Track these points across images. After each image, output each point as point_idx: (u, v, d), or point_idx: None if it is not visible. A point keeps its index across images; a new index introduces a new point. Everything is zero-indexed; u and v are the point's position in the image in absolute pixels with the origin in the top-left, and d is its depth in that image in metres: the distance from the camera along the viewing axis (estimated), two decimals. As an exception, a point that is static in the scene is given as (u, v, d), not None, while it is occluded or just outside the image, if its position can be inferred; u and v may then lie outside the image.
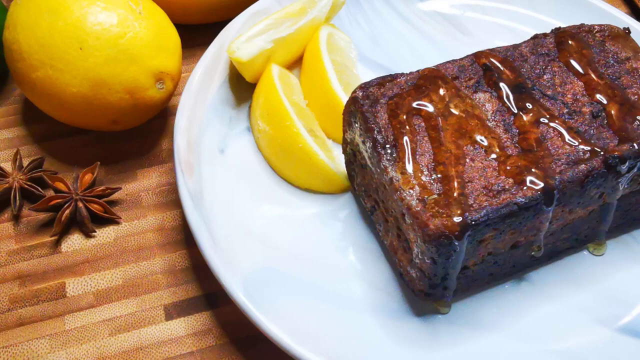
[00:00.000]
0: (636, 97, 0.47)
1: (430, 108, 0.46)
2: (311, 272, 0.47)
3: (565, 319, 0.46)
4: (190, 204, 0.46)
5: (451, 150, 0.44)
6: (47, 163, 0.55)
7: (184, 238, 0.52)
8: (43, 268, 0.50)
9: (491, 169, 0.43)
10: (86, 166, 0.55)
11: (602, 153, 0.43)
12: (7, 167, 0.54)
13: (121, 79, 0.49)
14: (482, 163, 0.43)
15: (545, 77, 0.49)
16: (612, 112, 0.46)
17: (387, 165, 0.43)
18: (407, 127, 0.45)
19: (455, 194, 0.42)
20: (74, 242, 0.51)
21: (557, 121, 0.46)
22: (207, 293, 0.49)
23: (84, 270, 0.50)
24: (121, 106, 0.50)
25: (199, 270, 0.50)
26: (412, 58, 0.61)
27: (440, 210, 0.41)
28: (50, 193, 0.53)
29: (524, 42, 0.51)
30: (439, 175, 0.43)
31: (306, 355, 0.40)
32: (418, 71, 0.48)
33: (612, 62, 0.50)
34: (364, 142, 0.46)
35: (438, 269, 0.42)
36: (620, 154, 0.43)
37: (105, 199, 0.52)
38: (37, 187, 0.52)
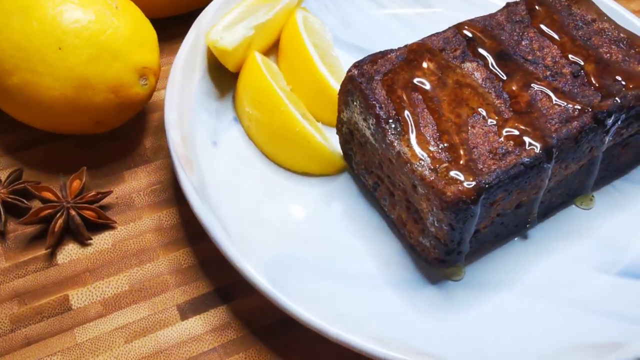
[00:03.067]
0: (608, 55, 0.50)
1: (425, 81, 0.47)
2: (324, 253, 0.47)
3: (568, 270, 0.48)
4: (198, 199, 0.45)
5: (452, 119, 0.45)
6: (25, 174, 0.52)
7: (185, 235, 0.50)
8: (41, 283, 0.47)
9: (492, 133, 0.45)
10: (68, 173, 0.52)
11: (590, 109, 0.46)
12: (-16, 182, 0.51)
13: (105, 78, 0.47)
14: (482, 129, 0.45)
15: (523, 43, 0.51)
16: (590, 71, 0.49)
17: (393, 139, 0.44)
18: (407, 100, 0.45)
19: (464, 161, 0.43)
20: (70, 252, 0.49)
21: (542, 83, 0.48)
22: (218, 288, 0.48)
23: (86, 279, 0.48)
24: (106, 106, 0.48)
25: (206, 266, 0.49)
26: (384, 36, 0.62)
27: (454, 177, 0.42)
28: (36, 204, 0.50)
29: (499, 11, 0.53)
30: (445, 145, 0.44)
31: (344, 336, 0.40)
32: (406, 46, 0.49)
33: (580, 24, 0.53)
34: (365, 120, 0.46)
35: (455, 234, 0.43)
36: (607, 108, 0.46)
37: (97, 204, 0.50)
38: (21, 199, 0.49)
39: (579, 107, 0.46)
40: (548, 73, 0.48)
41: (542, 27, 0.52)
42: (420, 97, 0.46)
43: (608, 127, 0.46)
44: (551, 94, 0.47)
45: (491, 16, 0.52)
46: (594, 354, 0.42)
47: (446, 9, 0.65)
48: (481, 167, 0.43)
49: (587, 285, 0.47)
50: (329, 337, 0.41)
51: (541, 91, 0.47)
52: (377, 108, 0.45)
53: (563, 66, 0.49)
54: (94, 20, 0.47)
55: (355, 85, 0.46)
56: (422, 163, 0.43)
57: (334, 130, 0.53)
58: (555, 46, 0.51)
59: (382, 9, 0.64)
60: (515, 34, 0.51)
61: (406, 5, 0.65)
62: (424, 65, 0.48)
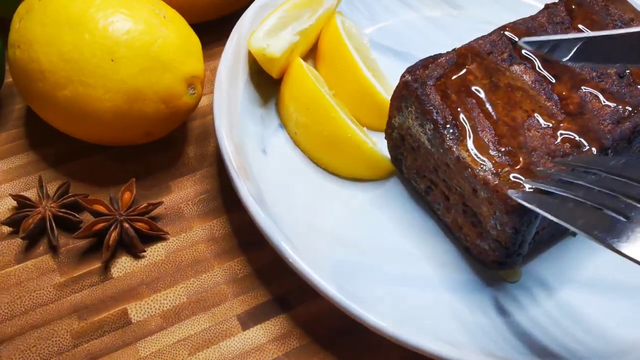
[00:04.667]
0: None
1: (478, 85, 0.47)
2: (380, 257, 0.48)
3: (619, 264, 0.49)
4: (257, 208, 0.45)
5: (507, 122, 0.45)
6: (71, 186, 0.51)
7: (238, 244, 0.50)
8: (99, 297, 0.47)
9: (548, 136, 0.45)
10: (113, 185, 0.52)
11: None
12: (32, 196, 0.50)
13: (157, 88, 0.47)
14: (538, 132, 0.45)
15: (567, 44, 0.51)
16: (635, 70, 0.50)
17: (452, 144, 0.44)
18: (462, 105, 0.46)
19: (524, 164, 0.43)
20: (124, 265, 0.48)
21: (590, 85, 0.48)
22: (276, 296, 0.48)
23: (143, 292, 0.47)
24: (156, 117, 0.48)
25: (262, 274, 0.49)
26: (417, 38, 0.62)
27: (517, 181, 0.42)
28: (86, 217, 0.49)
29: (539, 12, 0.54)
30: (504, 148, 0.44)
31: (417, 340, 0.41)
32: (454, 50, 0.50)
33: (619, 24, 0.53)
34: (421, 125, 0.46)
35: (518, 237, 0.43)
36: (659, 108, 0.46)
37: (148, 215, 0.50)
38: (73, 213, 0.48)
39: (630, 108, 0.47)
40: (594, 74, 0.49)
41: (582, 27, 0.53)
42: (474, 101, 0.46)
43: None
44: (600, 95, 0.48)
45: (533, 18, 0.53)
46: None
47: (475, 10, 0.65)
48: (540, 167, 0.43)
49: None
50: (400, 342, 0.41)
51: (590, 93, 0.48)
52: (435, 114, 0.45)
53: (607, 67, 0.50)
54: (144, 30, 0.46)
55: (411, 91, 0.46)
56: (484, 167, 0.43)
57: (379, 134, 0.54)
58: (598, 46, 0.51)
59: (413, 12, 0.64)
60: (557, 35, 0.52)
61: (436, 7, 0.65)
62: (475, 69, 0.48)
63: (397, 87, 0.48)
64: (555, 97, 0.47)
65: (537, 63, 0.49)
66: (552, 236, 0.49)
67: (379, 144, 0.52)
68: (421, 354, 0.42)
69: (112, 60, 0.45)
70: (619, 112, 0.47)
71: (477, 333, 0.44)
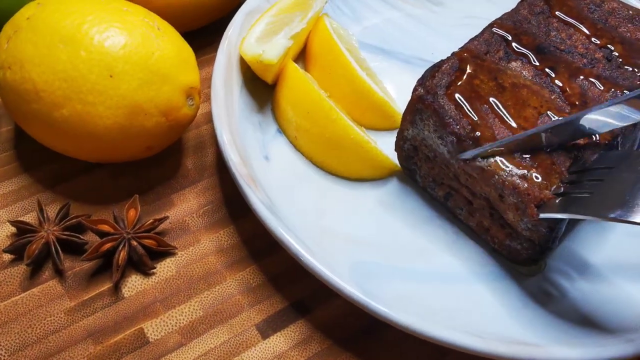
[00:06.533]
0: (628, 34, 0.53)
1: (486, 88, 0.47)
2: (395, 255, 0.48)
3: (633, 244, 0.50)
4: (270, 215, 0.45)
5: (521, 124, 0.46)
6: (72, 207, 0.50)
7: (248, 253, 0.50)
8: (112, 319, 0.46)
9: None
10: (115, 202, 0.51)
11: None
12: (31, 220, 0.48)
13: (157, 102, 0.46)
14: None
15: (552, 34, 0.52)
16: (620, 52, 0.51)
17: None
18: (477, 113, 0.46)
19: (548, 164, 0.44)
20: (135, 283, 0.47)
21: (585, 73, 0.50)
22: (293, 302, 0.48)
23: (157, 310, 0.46)
24: (157, 131, 0.47)
25: (275, 281, 0.49)
26: (402, 36, 0.63)
27: (545, 182, 0.43)
28: (91, 238, 0.48)
29: (519, 4, 0.55)
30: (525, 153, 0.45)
31: (445, 334, 0.41)
32: (453, 54, 0.50)
33: (593, 7, 0.55)
34: (441, 137, 0.47)
35: (552, 234, 0.44)
36: (651, 87, 0.48)
37: (154, 231, 0.49)
38: (77, 235, 0.47)
39: (627, 92, 0.48)
40: (585, 61, 0.50)
41: (562, 15, 0.54)
42: (486, 106, 0.46)
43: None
44: (596, 82, 0.49)
45: (515, 11, 0.54)
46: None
47: (456, 5, 0.66)
48: (563, 168, 0.44)
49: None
50: (427, 338, 0.41)
51: (587, 80, 0.49)
52: (455, 126, 0.45)
53: (595, 51, 0.51)
54: (141, 43, 0.46)
55: (427, 105, 0.46)
56: (510, 172, 0.43)
57: (377, 133, 0.54)
58: (580, 32, 0.53)
59: (396, 11, 0.65)
60: (542, 26, 0.53)
61: (418, 4, 0.66)
62: (478, 72, 0.48)
63: (411, 101, 0.48)
64: (557, 90, 0.48)
65: (532, 57, 0.50)
66: (572, 227, 0.50)
67: (379, 143, 0.53)
68: (447, 348, 0.42)
69: (111, 76, 0.44)
70: (617, 96, 0.48)
71: (503, 323, 0.44)
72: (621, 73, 0.50)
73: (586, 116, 0.44)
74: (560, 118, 0.45)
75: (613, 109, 0.43)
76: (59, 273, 0.47)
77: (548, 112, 0.46)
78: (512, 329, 0.44)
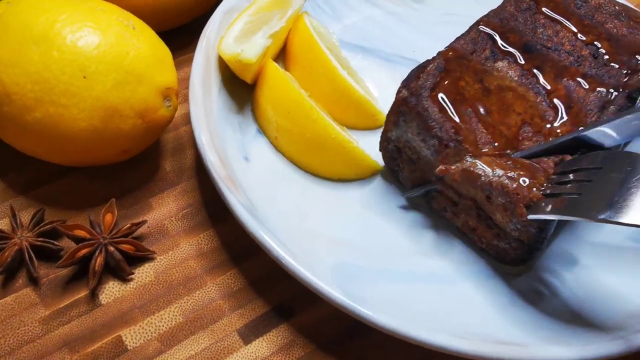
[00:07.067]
0: (615, 30, 0.52)
1: (471, 91, 0.47)
2: (379, 256, 0.47)
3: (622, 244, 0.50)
4: (250, 217, 0.44)
5: (504, 132, 0.45)
6: (46, 212, 0.49)
7: (229, 257, 0.49)
8: (89, 327, 0.44)
9: (546, 134, 0.45)
10: (91, 207, 0.49)
11: (621, 90, 0.47)
12: (3, 227, 0.47)
13: (132, 103, 0.45)
14: (531, 142, 0.45)
15: (539, 31, 0.52)
16: (606, 48, 0.51)
17: (458, 158, 0.44)
18: (461, 117, 0.45)
19: (531, 166, 0.43)
20: (112, 290, 0.46)
21: (571, 71, 0.49)
22: (275, 306, 0.47)
23: (136, 317, 0.45)
24: (134, 133, 0.46)
25: (256, 285, 0.48)
26: (383, 34, 0.62)
27: (534, 181, 0.42)
28: (66, 244, 0.47)
29: (505, 1, 0.54)
30: (509, 153, 0.44)
31: (429, 337, 0.40)
32: (439, 54, 0.49)
33: (580, 3, 0.54)
34: (424, 140, 0.46)
35: (542, 235, 0.44)
36: (637, 86, 0.48)
37: (132, 236, 0.48)
38: (52, 241, 0.46)
39: (612, 90, 0.47)
40: (571, 59, 0.50)
41: (548, 11, 0.54)
42: (470, 110, 0.46)
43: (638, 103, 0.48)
44: (582, 81, 0.48)
45: (502, 8, 0.53)
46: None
47: (437, 2, 0.66)
48: (551, 164, 0.43)
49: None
50: (411, 340, 0.41)
51: (572, 79, 0.48)
52: (438, 130, 0.45)
53: (581, 48, 0.51)
54: (115, 43, 0.44)
55: (410, 107, 0.46)
56: (496, 173, 0.43)
57: (359, 133, 0.53)
58: (567, 29, 0.52)
59: (377, 8, 0.64)
60: (529, 23, 0.52)
61: (398, 1, 0.65)
62: (464, 73, 0.47)
63: (395, 103, 0.47)
64: (542, 91, 0.48)
65: (518, 55, 0.50)
66: (560, 227, 0.50)
67: (361, 142, 0.52)
68: (432, 351, 0.42)
69: (85, 77, 0.43)
70: (602, 96, 0.47)
71: (492, 323, 0.44)
72: (607, 71, 0.49)
73: (587, 132, 0.43)
74: (564, 137, 0.45)
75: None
76: (33, 281, 0.46)
77: (530, 122, 0.45)
78: (501, 329, 0.43)
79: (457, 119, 0.45)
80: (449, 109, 0.45)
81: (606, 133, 0.43)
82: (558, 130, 0.45)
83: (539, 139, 0.45)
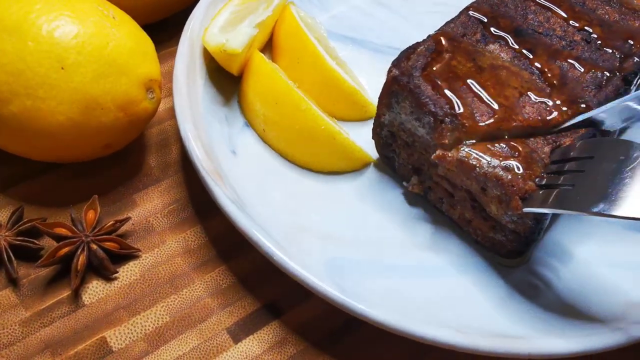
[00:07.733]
0: (607, 16, 0.51)
1: (464, 69, 0.45)
2: (372, 249, 0.46)
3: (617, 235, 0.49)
4: (238, 212, 0.42)
5: (502, 103, 0.44)
6: (26, 211, 0.47)
7: (217, 254, 0.47)
8: (72, 328, 0.43)
9: (543, 110, 0.44)
10: (73, 204, 0.47)
11: (617, 73, 0.46)
12: (-19, 226, 0.45)
13: (113, 96, 0.43)
14: (533, 107, 0.44)
15: (530, 16, 0.51)
16: (598, 34, 0.50)
17: (452, 136, 0.43)
18: (455, 92, 0.44)
19: (527, 152, 0.42)
20: (96, 290, 0.44)
21: (564, 54, 0.48)
22: (265, 303, 0.45)
23: (121, 317, 0.43)
24: (115, 127, 0.44)
25: (246, 282, 0.46)
26: (371, 24, 0.61)
27: (529, 172, 0.41)
28: (47, 242, 0.45)
29: (497, -14, 0.53)
30: (504, 144, 0.43)
31: (426, 331, 0.39)
32: (429, 36, 0.48)
33: None
34: (418, 119, 0.45)
35: (538, 226, 0.42)
36: (632, 69, 0.47)
37: (116, 233, 0.46)
38: (31, 240, 0.44)
39: (607, 73, 0.47)
40: (563, 43, 0.49)
41: (539, -3, 0.53)
42: (464, 86, 0.44)
43: (634, 85, 0.47)
44: (575, 64, 0.47)
45: (492, -7, 0.52)
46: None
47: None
48: (543, 155, 0.42)
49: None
50: (407, 335, 0.39)
51: (566, 62, 0.47)
52: (432, 105, 0.43)
53: (573, 34, 0.50)
54: (94, 33, 0.43)
55: (402, 85, 0.44)
56: (490, 163, 0.41)
57: (348, 124, 0.52)
58: (558, 15, 0.51)
59: (364, -1, 0.63)
60: (519, 9, 0.51)
61: (387, -9, 0.64)
62: (455, 53, 0.46)
63: (386, 83, 0.46)
64: (536, 71, 0.47)
65: (510, 39, 0.49)
66: (556, 218, 0.49)
67: (351, 134, 0.51)
68: (427, 345, 0.40)
69: (62, 68, 0.41)
70: (598, 77, 0.47)
71: (488, 316, 0.43)
72: (600, 55, 0.48)
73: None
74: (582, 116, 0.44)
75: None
76: (13, 282, 0.44)
77: (529, 93, 0.44)
78: (498, 322, 0.42)
79: (451, 95, 0.44)
80: (442, 85, 0.44)
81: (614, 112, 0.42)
82: (557, 101, 0.44)
83: (539, 106, 0.44)
